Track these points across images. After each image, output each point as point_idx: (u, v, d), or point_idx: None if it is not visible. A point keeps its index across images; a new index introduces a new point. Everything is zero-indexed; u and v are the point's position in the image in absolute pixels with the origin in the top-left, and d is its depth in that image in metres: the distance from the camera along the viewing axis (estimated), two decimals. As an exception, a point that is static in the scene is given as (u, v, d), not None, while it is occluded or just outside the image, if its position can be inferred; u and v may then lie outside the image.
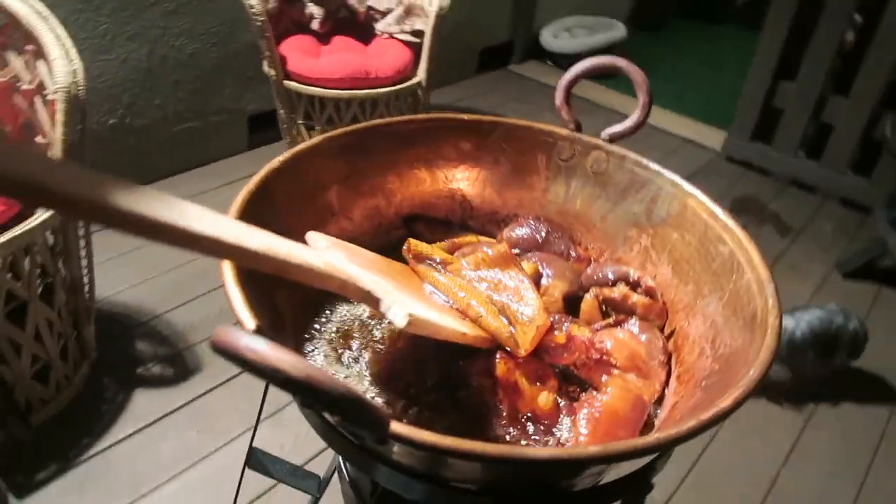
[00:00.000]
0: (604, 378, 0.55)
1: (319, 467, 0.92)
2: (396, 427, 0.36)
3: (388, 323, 0.62)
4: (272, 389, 0.72)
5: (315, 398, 0.31)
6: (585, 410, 0.52)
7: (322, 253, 0.48)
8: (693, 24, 4.30)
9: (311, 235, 0.54)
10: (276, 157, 0.63)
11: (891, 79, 2.13)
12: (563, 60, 3.25)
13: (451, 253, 0.71)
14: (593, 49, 3.17)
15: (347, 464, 0.69)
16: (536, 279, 0.65)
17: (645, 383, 0.54)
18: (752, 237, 0.58)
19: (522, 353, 0.57)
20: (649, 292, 0.64)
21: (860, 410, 1.52)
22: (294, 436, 1.31)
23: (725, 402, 0.42)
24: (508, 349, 0.57)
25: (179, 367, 1.47)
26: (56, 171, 0.31)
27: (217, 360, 1.47)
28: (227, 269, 0.49)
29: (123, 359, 1.46)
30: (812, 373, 1.48)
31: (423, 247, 0.67)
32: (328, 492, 0.88)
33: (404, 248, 0.65)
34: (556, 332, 0.60)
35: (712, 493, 1.30)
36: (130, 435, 1.30)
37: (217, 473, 1.24)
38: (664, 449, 0.39)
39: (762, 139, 2.50)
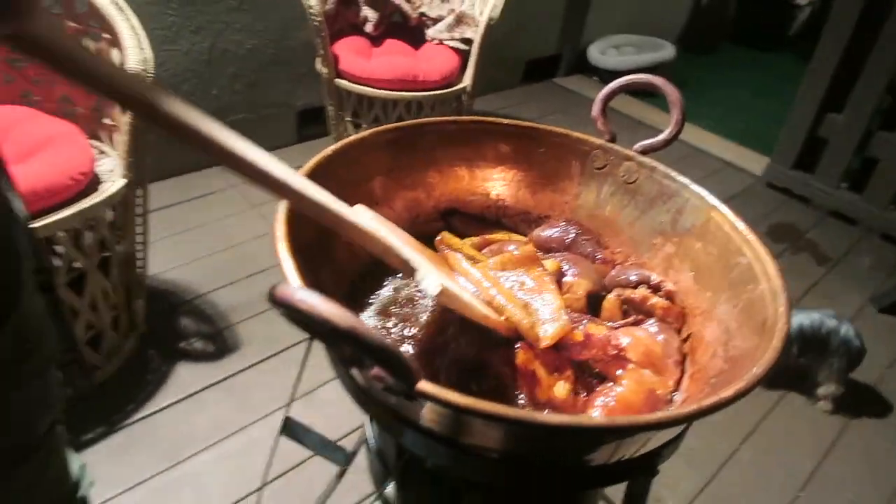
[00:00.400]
0: (619, 371, 0.58)
1: (347, 446, 0.97)
2: (424, 385, 0.41)
3: (420, 307, 0.67)
4: (305, 373, 0.77)
5: (357, 346, 0.35)
6: (601, 399, 0.56)
7: (369, 221, 0.53)
8: (745, 50, 4.28)
9: (358, 207, 0.59)
10: (329, 147, 0.69)
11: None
12: (609, 77, 3.26)
13: (482, 248, 0.76)
14: (640, 67, 3.19)
15: (375, 433, 0.73)
16: (559, 277, 0.69)
17: (659, 379, 0.58)
18: (785, 261, 0.61)
19: (542, 345, 0.61)
20: (669, 296, 0.67)
21: (887, 443, 1.51)
22: (325, 417, 1.37)
23: (727, 393, 0.46)
24: (528, 341, 0.61)
25: (220, 344, 1.54)
26: (166, 98, 0.39)
27: (254, 341, 1.55)
28: (282, 244, 0.54)
29: (168, 333, 1.54)
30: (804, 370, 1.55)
31: (455, 241, 0.72)
32: (351, 472, 0.93)
33: (437, 239, 0.70)
34: (574, 331, 0.63)
35: (726, 509, 1.32)
36: (171, 404, 1.37)
37: (250, 445, 1.30)
38: (664, 426, 0.42)
39: (804, 168, 2.48)
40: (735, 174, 2.65)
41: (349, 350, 0.41)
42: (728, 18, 4.13)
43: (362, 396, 0.57)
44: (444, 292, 0.50)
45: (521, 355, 0.61)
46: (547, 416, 0.41)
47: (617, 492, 0.63)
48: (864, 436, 1.52)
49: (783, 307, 0.55)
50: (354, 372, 0.55)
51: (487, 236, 0.78)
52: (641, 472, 0.54)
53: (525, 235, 0.80)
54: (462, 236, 0.79)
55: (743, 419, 1.52)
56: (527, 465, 0.53)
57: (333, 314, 0.35)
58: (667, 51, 3.34)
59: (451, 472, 0.61)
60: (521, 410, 0.48)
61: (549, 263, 0.69)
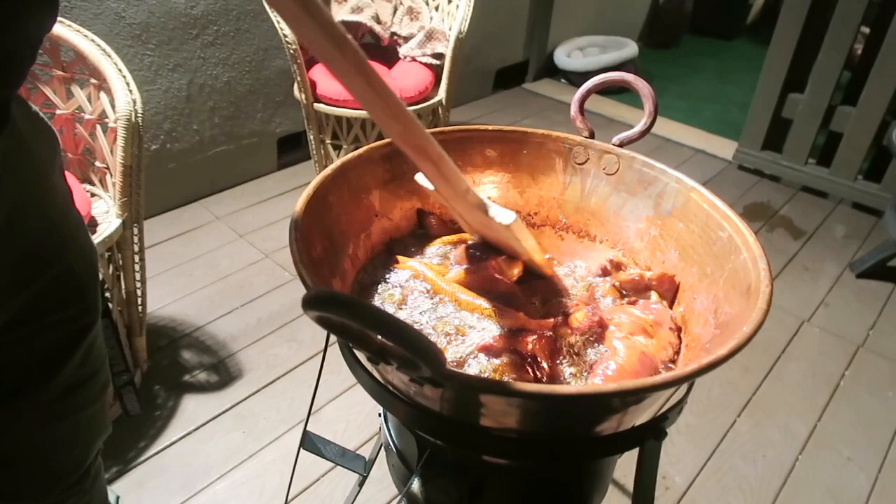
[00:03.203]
0: (614, 342, 0.63)
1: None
2: (453, 369, 0.45)
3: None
4: (310, 394, 0.81)
5: (389, 334, 0.39)
6: (600, 369, 0.60)
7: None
8: (705, 40, 4.40)
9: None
10: (330, 166, 0.73)
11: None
12: (576, 78, 3.36)
13: (456, 244, 0.79)
14: (605, 67, 3.28)
15: (395, 435, 0.77)
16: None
17: (652, 343, 0.63)
18: (762, 238, 0.66)
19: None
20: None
21: (875, 401, 1.57)
22: (333, 433, 1.40)
23: (722, 351, 0.50)
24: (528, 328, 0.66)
25: (223, 373, 1.56)
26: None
27: (256, 368, 1.57)
28: (300, 262, 0.58)
29: (172, 368, 1.56)
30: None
31: (410, 266, 0.75)
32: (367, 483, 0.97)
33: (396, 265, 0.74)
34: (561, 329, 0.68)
35: (732, 478, 1.36)
36: (182, 437, 1.39)
37: (262, 470, 1.33)
38: (668, 386, 0.46)
39: (773, 148, 2.57)
40: (707, 160, 2.74)
41: (377, 344, 0.45)
42: (687, 11, 4.25)
43: (383, 393, 0.60)
44: (517, 222, 0.59)
45: (523, 341, 0.65)
46: (567, 387, 0.45)
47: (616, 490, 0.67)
48: (854, 396, 1.58)
49: (765, 271, 0.59)
50: (377, 369, 0.59)
51: (451, 237, 0.81)
52: (651, 435, 0.58)
53: (518, 233, 0.84)
54: (437, 236, 0.82)
55: (738, 393, 1.58)
56: (545, 441, 0.57)
57: (365, 306, 0.39)
58: (630, 48, 3.43)
59: (473, 456, 0.65)
60: (537, 385, 0.52)
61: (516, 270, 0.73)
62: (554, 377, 0.63)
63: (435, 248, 0.79)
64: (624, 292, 0.74)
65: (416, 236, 0.83)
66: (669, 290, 0.71)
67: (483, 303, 0.69)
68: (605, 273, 0.77)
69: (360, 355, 0.61)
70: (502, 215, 0.60)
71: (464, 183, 0.59)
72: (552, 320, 0.67)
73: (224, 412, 1.46)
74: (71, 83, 1.25)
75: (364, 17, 2.04)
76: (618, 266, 0.73)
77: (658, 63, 3.88)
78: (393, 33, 2.12)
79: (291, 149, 2.45)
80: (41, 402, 0.63)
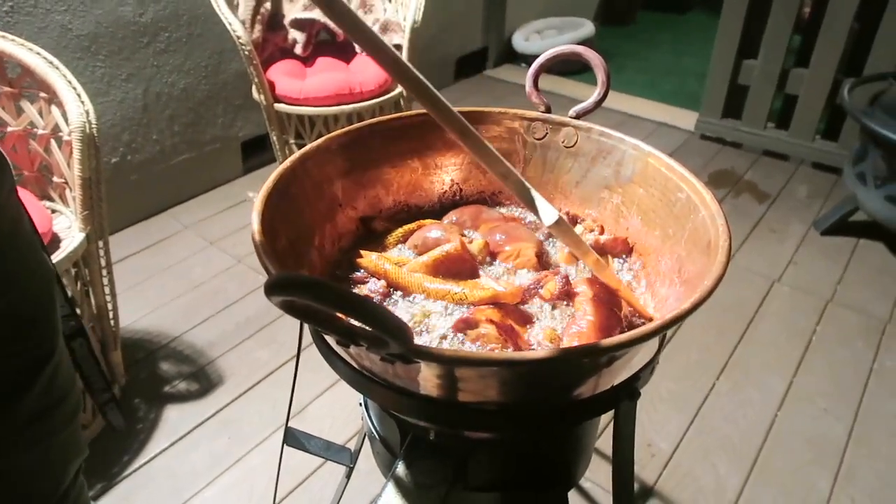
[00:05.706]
0: (584, 304, 0.64)
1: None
2: (418, 342, 0.45)
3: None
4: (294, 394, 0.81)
5: (352, 311, 0.39)
6: (573, 329, 0.61)
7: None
8: (660, 15, 4.45)
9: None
10: (289, 158, 0.72)
11: (846, 48, 2.24)
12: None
13: (407, 238, 0.79)
14: (564, 47, 3.30)
15: (376, 422, 0.77)
16: (490, 252, 0.74)
17: (617, 301, 0.64)
18: (728, 205, 0.67)
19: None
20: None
21: (847, 352, 1.62)
22: (318, 431, 1.39)
23: (685, 305, 0.51)
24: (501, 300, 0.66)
25: (203, 381, 1.55)
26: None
27: (236, 373, 1.56)
28: (262, 249, 0.58)
29: (151, 380, 1.55)
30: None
31: (371, 262, 0.74)
32: (355, 476, 0.97)
33: (357, 260, 0.73)
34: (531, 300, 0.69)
35: (715, 438, 1.39)
36: (166, 448, 1.38)
37: (249, 474, 1.32)
38: (635, 343, 0.47)
39: (732, 115, 2.61)
40: (670, 132, 2.77)
41: (344, 326, 0.45)
42: (639, -12, 4.29)
43: (360, 380, 0.60)
44: (559, 222, 0.54)
45: (496, 313, 0.65)
46: (537, 352, 0.45)
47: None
48: (827, 350, 1.62)
49: (722, 226, 0.61)
50: (352, 355, 0.59)
51: (404, 228, 0.80)
52: (625, 395, 0.59)
53: (483, 212, 0.84)
54: (384, 233, 0.81)
55: (715, 356, 1.61)
56: (522, 410, 0.57)
57: (328, 285, 0.39)
58: (587, 28, 3.45)
59: (453, 433, 0.65)
60: (514, 352, 0.53)
61: (476, 244, 0.73)
62: (529, 344, 0.63)
63: (394, 243, 0.79)
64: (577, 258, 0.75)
65: (367, 242, 0.80)
66: (623, 252, 0.73)
67: (452, 287, 0.69)
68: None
69: (332, 342, 0.61)
70: (543, 212, 0.54)
71: (502, 164, 0.53)
72: (523, 290, 0.67)
73: (207, 419, 1.45)
74: (20, 99, 1.22)
75: (317, 14, 2.03)
76: (574, 220, 0.74)
77: (615, 40, 3.91)
78: (348, 27, 2.10)
79: (256, 152, 2.43)
80: (3, 432, 0.60)
